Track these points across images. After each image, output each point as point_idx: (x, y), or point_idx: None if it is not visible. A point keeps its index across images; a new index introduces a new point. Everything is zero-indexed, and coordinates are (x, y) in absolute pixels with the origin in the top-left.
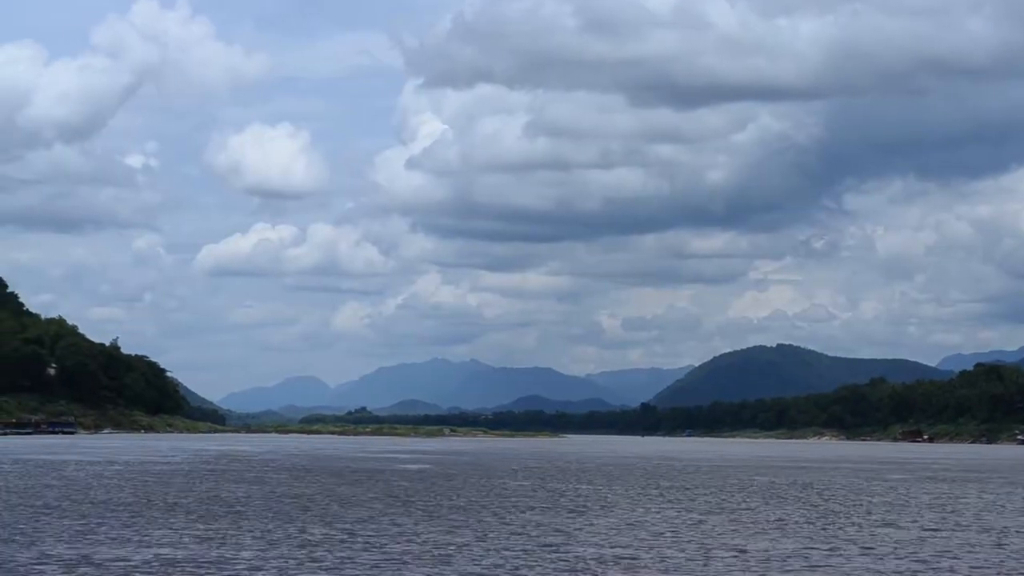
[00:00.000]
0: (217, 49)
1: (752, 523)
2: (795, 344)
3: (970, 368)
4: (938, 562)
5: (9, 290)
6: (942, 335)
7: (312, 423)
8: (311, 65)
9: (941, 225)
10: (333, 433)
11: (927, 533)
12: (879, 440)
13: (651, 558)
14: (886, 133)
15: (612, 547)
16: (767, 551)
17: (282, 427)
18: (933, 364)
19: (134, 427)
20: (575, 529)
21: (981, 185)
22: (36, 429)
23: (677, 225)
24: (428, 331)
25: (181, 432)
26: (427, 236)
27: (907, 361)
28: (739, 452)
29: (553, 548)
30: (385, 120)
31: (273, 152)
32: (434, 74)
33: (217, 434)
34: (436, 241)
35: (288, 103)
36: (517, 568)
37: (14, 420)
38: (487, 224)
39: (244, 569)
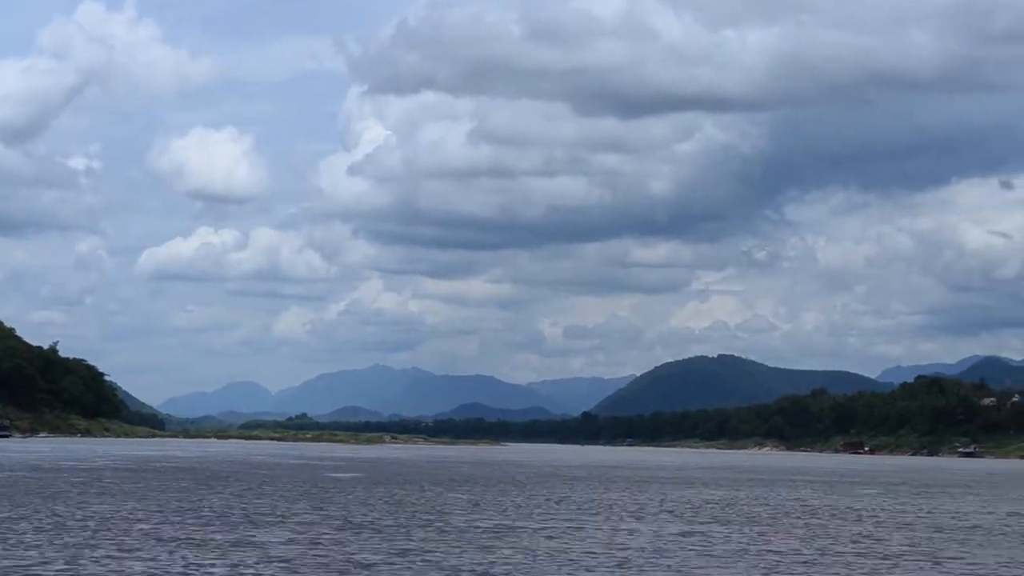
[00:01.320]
0: (163, 52)
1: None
2: (736, 354)
3: (910, 380)
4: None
5: None
6: (882, 347)
7: (252, 429)
8: (258, 69)
9: (882, 237)
10: (273, 439)
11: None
12: (820, 451)
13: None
14: (830, 144)
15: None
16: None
17: (222, 432)
18: (873, 376)
19: (71, 431)
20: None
21: (923, 197)
22: None
23: (620, 234)
24: (370, 338)
25: (119, 437)
26: (370, 242)
27: (847, 373)
28: (652, 460)
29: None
30: (330, 125)
31: (217, 156)
32: (378, 80)
33: (155, 439)
34: (379, 247)
35: (234, 107)
36: None
37: None
38: (430, 231)
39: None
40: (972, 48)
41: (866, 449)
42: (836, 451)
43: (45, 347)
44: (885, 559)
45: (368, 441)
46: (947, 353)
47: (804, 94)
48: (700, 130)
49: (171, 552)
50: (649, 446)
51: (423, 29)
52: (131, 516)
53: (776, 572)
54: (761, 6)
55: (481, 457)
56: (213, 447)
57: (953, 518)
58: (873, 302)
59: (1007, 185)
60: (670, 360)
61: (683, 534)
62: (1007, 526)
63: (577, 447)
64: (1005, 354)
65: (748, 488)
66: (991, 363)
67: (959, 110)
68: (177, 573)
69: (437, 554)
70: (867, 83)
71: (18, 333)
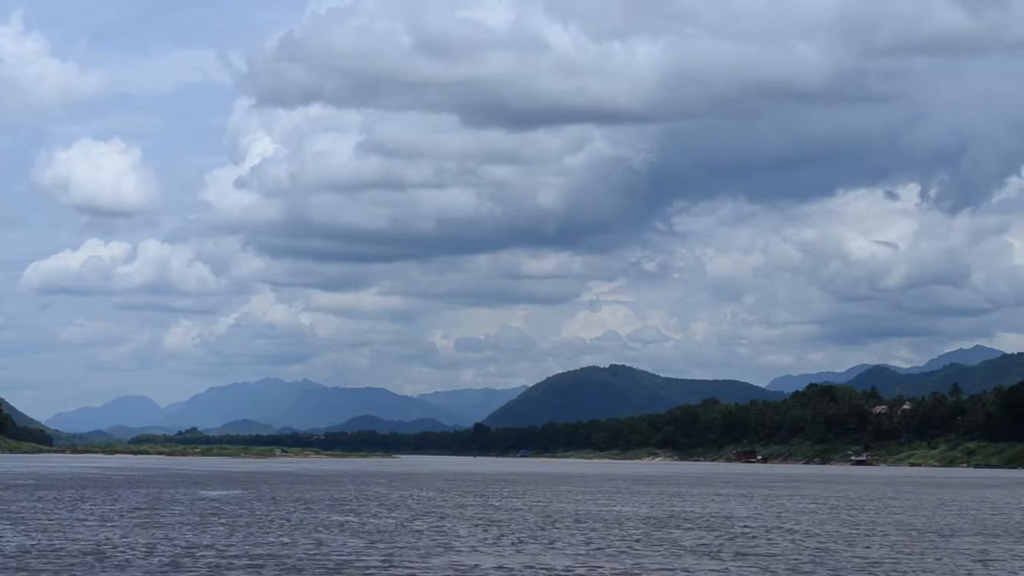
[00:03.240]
0: (51, 65)
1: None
2: (628, 364)
3: (799, 389)
4: None
5: None
6: (772, 356)
7: (141, 444)
8: (147, 82)
9: (770, 247)
10: (162, 454)
11: None
12: (713, 461)
13: None
14: (718, 156)
15: None
16: None
17: (109, 448)
18: (763, 385)
19: None
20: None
21: (809, 208)
22: None
23: (511, 246)
24: (261, 350)
25: (3, 452)
26: (259, 255)
27: (737, 382)
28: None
29: None
30: (218, 138)
31: (104, 169)
32: (265, 93)
33: (40, 455)
34: (269, 260)
35: (122, 120)
36: None
37: None
38: (320, 244)
39: None
40: (856, 60)
41: (759, 458)
42: (729, 460)
43: None
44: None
45: (259, 455)
46: (835, 362)
47: (692, 106)
48: (589, 142)
49: None
50: (542, 457)
51: (308, 41)
52: None
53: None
54: (647, 19)
55: (366, 470)
56: (77, 463)
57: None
58: (762, 312)
59: (892, 195)
60: (562, 371)
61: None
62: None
63: (471, 458)
64: (892, 362)
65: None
66: (879, 371)
67: (844, 121)
68: None
69: None
70: (754, 95)
71: None
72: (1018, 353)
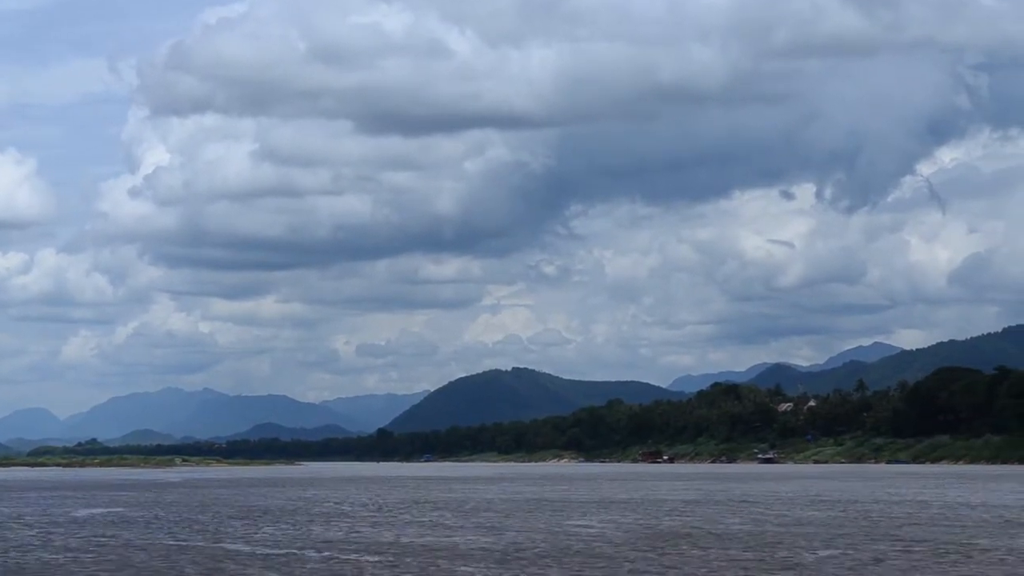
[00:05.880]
0: None
1: None
2: (530, 367)
3: (701, 389)
4: None
5: None
6: (673, 357)
7: (40, 456)
8: (43, 92)
9: (667, 248)
10: (60, 465)
11: None
12: (619, 461)
13: None
14: (614, 158)
15: None
16: None
17: (7, 460)
18: (665, 385)
19: None
20: None
21: (705, 209)
22: None
23: (410, 251)
24: (160, 360)
25: None
26: (157, 264)
27: (639, 382)
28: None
29: None
30: (114, 148)
31: None
32: (157, 103)
33: None
34: (166, 269)
35: (18, 130)
36: None
37: None
38: (217, 252)
39: None
40: (752, 61)
41: (665, 458)
42: (635, 460)
43: None
44: None
45: (159, 464)
46: (736, 361)
47: (589, 109)
48: (486, 147)
49: None
50: (447, 461)
51: (199, 51)
52: None
53: None
54: (542, 22)
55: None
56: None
57: None
58: (661, 313)
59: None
60: (464, 375)
61: None
62: None
63: (375, 464)
64: (793, 361)
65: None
66: (780, 370)
67: (740, 122)
68: None
69: None
70: (650, 97)
71: None
72: (916, 349)
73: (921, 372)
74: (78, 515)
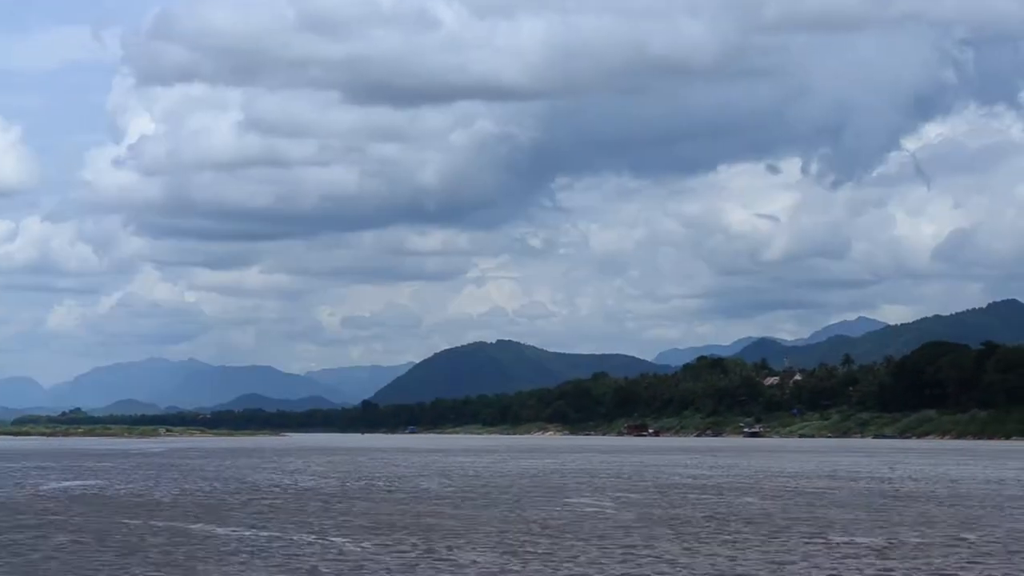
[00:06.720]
0: None
1: None
2: (515, 340)
3: (686, 362)
4: None
5: None
6: (658, 330)
7: (23, 425)
8: (27, 60)
9: (654, 222)
10: (44, 435)
11: None
12: (604, 435)
13: None
14: (602, 131)
15: None
16: None
17: None
18: (650, 359)
19: None
20: None
21: (693, 182)
22: None
23: (396, 222)
24: (145, 330)
25: None
26: (142, 234)
27: (624, 356)
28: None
29: None
30: (99, 117)
31: None
32: (144, 72)
33: None
34: (151, 239)
35: (2, 98)
36: None
37: None
38: (203, 222)
39: None
40: (741, 35)
41: (650, 431)
42: (620, 434)
43: None
44: None
45: (143, 434)
46: (721, 335)
47: (577, 82)
48: (475, 119)
49: None
50: (431, 432)
51: (185, 19)
52: None
53: None
54: None
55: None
56: None
57: None
58: (647, 286)
59: (774, 169)
60: (449, 347)
61: None
62: None
63: (359, 435)
64: (778, 335)
65: None
66: (765, 344)
67: (728, 96)
68: None
69: None
70: (639, 70)
71: None
72: (901, 324)
73: (906, 347)
74: None
